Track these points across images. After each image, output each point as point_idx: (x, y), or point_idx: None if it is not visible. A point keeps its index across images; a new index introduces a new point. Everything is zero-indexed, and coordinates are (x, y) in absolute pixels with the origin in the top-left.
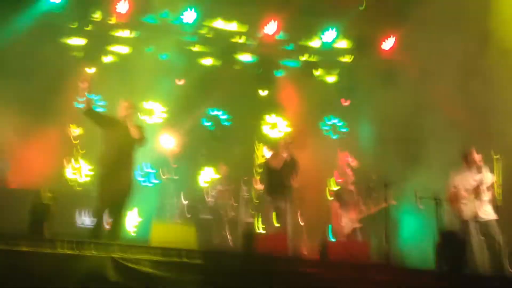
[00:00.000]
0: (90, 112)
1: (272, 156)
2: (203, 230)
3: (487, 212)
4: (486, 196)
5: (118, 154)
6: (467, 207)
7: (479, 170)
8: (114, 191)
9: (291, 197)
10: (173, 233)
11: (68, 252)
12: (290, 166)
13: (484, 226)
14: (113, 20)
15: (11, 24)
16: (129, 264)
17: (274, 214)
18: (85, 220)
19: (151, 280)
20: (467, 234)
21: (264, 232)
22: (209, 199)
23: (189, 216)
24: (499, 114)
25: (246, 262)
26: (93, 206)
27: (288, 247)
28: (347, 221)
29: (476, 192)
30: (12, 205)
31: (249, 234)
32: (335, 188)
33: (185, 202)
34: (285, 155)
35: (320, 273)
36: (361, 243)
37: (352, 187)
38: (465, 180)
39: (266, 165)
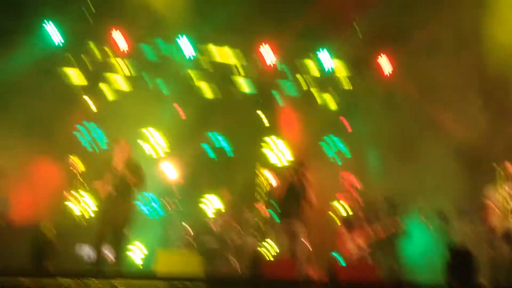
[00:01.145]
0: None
1: (282, 182)
2: (210, 259)
3: None
4: None
5: (117, 191)
6: (500, 222)
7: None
8: (113, 220)
9: (304, 220)
10: (178, 261)
11: (71, 285)
12: (301, 189)
13: None
14: (112, 58)
15: (11, 60)
16: None
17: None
18: (90, 253)
19: None
20: (496, 248)
21: (271, 258)
22: (214, 228)
23: (195, 245)
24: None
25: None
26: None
27: (297, 272)
28: (354, 247)
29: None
30: (14, 242)
31: (256, 260)
32: (342, 212)
33: (191, 232)
34: (294, 179)
35: None
36: (370, 266)
37: (358, 212)
38: (499, 194)
39: (277, 191)
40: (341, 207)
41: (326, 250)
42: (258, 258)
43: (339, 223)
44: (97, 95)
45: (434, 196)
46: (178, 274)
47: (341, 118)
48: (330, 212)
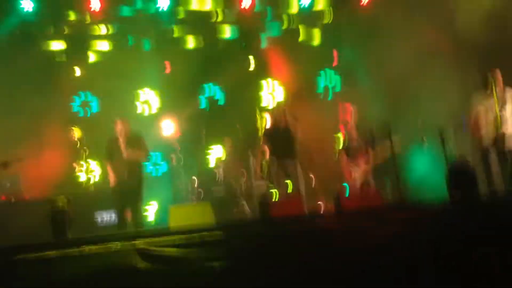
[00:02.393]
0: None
1: (271, 123)
2: (220, 206)
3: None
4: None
5: (125, 164)
6: (488, 135)
7: (502, 94)
8: (127, 187)
9: (297, 158)
10: (190, 213)
11: (94, 250)
12: (288, 131)
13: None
14: (88, 19)
15: None
16: (154, 251)
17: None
18: (105, 217)
19: (177, 262)
20: (486, 163)
21: (278, 198)
22: (219, 176)
23: (203, 195)
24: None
25: (265, 228)
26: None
27: (304, 208)
28: (358, 173)
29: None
30: (30, 216)
31: (264, 202)
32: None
33: (197, 183)
34: (282, 120)
35: (337, 225)
36: (373, 190)
37: (357, 139)
38: (487, 106)
39: (268, 133)
40: (342, 138)
41: (332, 182)
42: (266, 200)
43: (341, 153)
44: (81, 62)
45: (431, 115)
46: (192, 227)
47: (334, 51)
48: (333, 144)
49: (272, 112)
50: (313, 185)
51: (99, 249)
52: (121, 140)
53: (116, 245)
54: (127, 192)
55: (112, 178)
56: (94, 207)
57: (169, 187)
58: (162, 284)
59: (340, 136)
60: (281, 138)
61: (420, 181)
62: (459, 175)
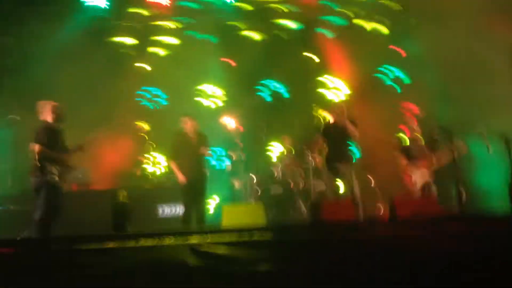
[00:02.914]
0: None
1: (327, 122)
2: (276, 206)
3: None
4: None
5: (191, 161)
6: None
7: None
8: (194, 185)
9: (351, 160)
10: (242, 213)
11: (150, 244)
12: (345, 132)
13: None
14: (154, 13)
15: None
16: (204, 249)
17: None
18: (166, 210)
19: (227, 261)
20: None
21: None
22: (278, 174)
23: (260, 193)
24: None
25: (313, 233)
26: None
27: (355, 212)
28: (418, 176)
29: None
30: (95, 205)
31: (316, 204)
32: (405, 143)
33: (255, 181)
34: (339, 120)
35: (387, 236)
36: (433, 197)
37: (419, 140)
38: None
39: (324, 131)
40: (404, 139)
41: (392, 184)
42: (319, 201)
43: (401, 155)
44: (149, 57)
45: (497, 119)
46: (243, 227)
47: (391, 46)
48: (393, 145)
49: (331, 110)
50: (372, 186)
51: (154, 242)
52: (191, 137)
53: (170, 240)
54: (194, 188)
55: (180, 176)
56: (156, 200)
57: (229, 183)
58: (210, 281)
59: (402, 136)
60: (336, 138)
61: (483, 189)
62: None
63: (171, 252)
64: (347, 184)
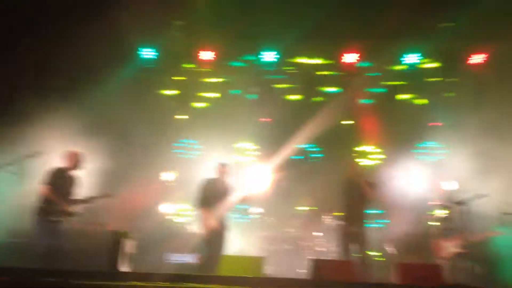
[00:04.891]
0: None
1: (349, 180)
2: (284, 260)
3: None
4: None
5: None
6: None
7: None
8: (215, 234)
9: (365, 222)
10: (241, 264)
11: (138, 284)
12: (361, 190)
13: None
14: (201, 68)
15: (114, 78)
16: None
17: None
18: (176, 258)
19: None
20: None
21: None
22: (291, 230)
23: (270, 247)
24: None
25: None
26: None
27: (355, 274)
28: (448, 245)
29: None
30: (98, 244)
31: (316, 261)
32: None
33: (267, 233)
34: (359, 180)
35: None
36: (434, 266)
37: (452, 216)
38: None
39: (343, 190)
40: (436, 214)
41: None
42: (317, 259)
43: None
44: (189, 108)
45: None
46: (238, 279)
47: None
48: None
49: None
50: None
51: (145, 286)
52: (222, 184)
53: (162, 284)
54: (216, 239)
55: (208, 222)
56: (167, 246)
57: (243, 238)
58: None
59: (437, 210)
60: (353, 198)
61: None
62: None
63: None
64: (360, 248)
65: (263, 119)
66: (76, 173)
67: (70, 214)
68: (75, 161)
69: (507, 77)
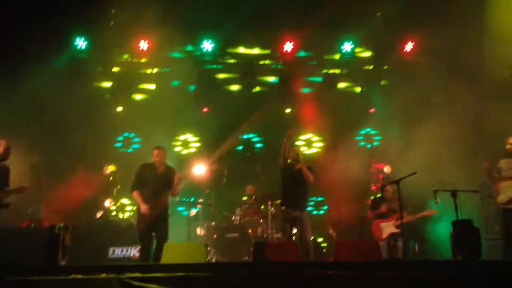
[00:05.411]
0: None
1: (285, 165)
2: (230, 248)
3: None
4: None
5: (154, 193)
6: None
7: None
8: (154, 223)
9: (305, 206)
10: (183, 251)
11: (79, 276)
12: (300, 175)
13: None
14: (137, 59)
15: (42, 68)
16: (137, 283)
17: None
18: (117, 252)
19: None
20: (504, 220)
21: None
22: (235, 218)
23: (215, 237)
24: None
25: (252, 270)
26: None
27: (298, 255)
28: (385, 226)
29: None
30: (35, 241)
31: (260, 243)
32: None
33: (213, 223)
34: (296, 164)
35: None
36: (371, 242)
37: (390, 194)
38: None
39: (282, 176)
40: (374, 196)
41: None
42: (261, 241)
43: (370, 211)
44: (125, 100)
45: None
46: (180, 266)
47: (371, 110)
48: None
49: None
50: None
51: (85, 278)
52: (158, 167)
53: (102, 276)
54: (155, 223)
55: (142, 206)
56: (110, 241)
57: (187, 228)
58: None
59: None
60: (292, 183)
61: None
62: (460, 235)
63: (103, 286)
64: (300, 231)
65: (204, 110)
66: (4, 163)
67: (3, 205)
68: (2, 151)
69: (435, 64)
